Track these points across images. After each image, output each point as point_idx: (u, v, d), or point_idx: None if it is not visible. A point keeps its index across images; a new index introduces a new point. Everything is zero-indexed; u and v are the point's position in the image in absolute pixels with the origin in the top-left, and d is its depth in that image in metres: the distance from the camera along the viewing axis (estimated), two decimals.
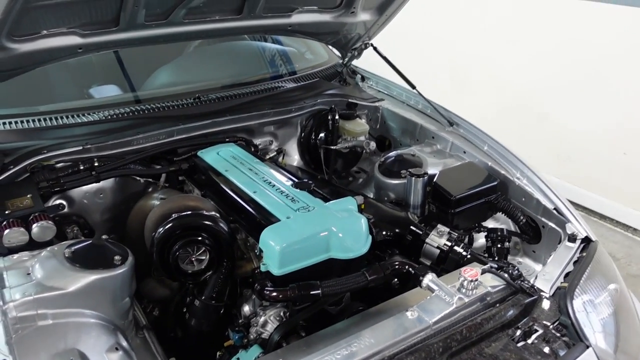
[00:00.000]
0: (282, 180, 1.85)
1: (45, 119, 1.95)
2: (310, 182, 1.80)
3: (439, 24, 4.88)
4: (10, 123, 1.90)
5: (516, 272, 1.54)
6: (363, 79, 2.79)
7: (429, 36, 4.96)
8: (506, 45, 4.43)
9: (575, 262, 1.66)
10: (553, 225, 1.88)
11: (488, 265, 1.56)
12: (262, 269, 1.51)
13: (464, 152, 2.20)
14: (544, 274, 1.61)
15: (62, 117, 1.98)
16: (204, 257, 1.61)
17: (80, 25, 1.79)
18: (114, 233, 2.00)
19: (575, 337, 1.41)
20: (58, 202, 1.89)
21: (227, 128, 2.21)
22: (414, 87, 2.52)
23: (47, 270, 1.42)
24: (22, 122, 1.92)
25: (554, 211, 1.87)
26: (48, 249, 1.51)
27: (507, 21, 4.38)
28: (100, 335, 1.42)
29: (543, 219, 1.91)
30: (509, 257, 1.95)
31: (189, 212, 1.63)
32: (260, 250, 1.53)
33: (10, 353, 1.20)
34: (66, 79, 2.35)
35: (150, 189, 2.07)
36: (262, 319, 1.58)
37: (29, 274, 1.43)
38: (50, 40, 1.76)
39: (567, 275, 1.61)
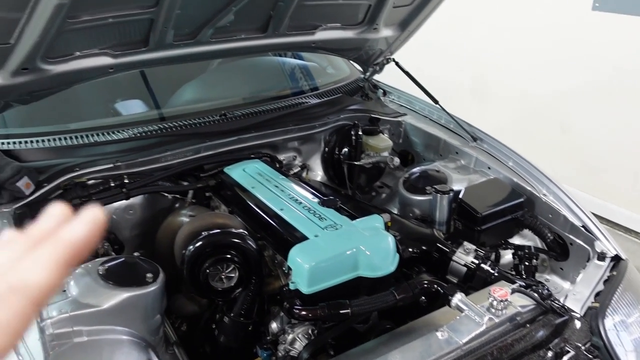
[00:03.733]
0: (309, 197, 1.86)
1: (76, 137, 1.99)
2: (337, 199, 1.81)
3: (460, 36, 4.87)
4: (44, 141, 1.95)
5: (546, 291, 1.53)
6: (385, 93, 2.80)
7: (450, 49, 4.96)
8: (528, 56, 4.41)
9: (605, 282, 1.65)
10: (581, 243, 1.87)
11: (517, 284, 1.55)
12: (291, 287, 1.52)
13: (489, 168, 2.19)
14: (574, 293, 1.60)
15: (92, 135, 2.02)
16: (233, 275, 1.62)
17: (112, 46, 1.83)
18: (143, 248, 2.03)
19: (608, 359, 1.40)
20: None
21: (252, 144, 2.23)
22: (436, 101, 2.53)
23: (82, 288, 1.45)
24: (54, 140, 1.96)
25: (582, 228, 1.86)
26: (82, 266, 1.54)
27: (528, 31, 4.37)
28: (132, 351, 1.44)
29: (571, 236, 1.90)
30: (537, 275, 1.93)
31: (218, 230, 1.65)
32: (289, 268, 1.54)
33: None
34: (93, 97, 2.39)
35: (177, 205, 2.09)
36: (290, 337, 1.59)
37: (64, 290, 1.46)
38: (83, 61, 1.80)
39: (597, 294, 1.60)
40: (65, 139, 1.98)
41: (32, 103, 1.88)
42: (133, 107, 2.40)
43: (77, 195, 1.84)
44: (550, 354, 1.40)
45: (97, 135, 2.03)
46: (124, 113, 2.35)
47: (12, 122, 2.06)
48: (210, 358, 1.74)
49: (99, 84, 2.31)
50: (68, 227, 0.46)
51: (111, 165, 1.92)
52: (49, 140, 1.96)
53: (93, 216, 0.48)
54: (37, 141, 1.95)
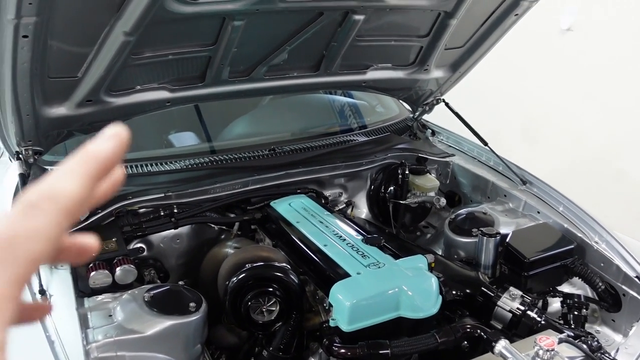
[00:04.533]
0: (353, 234, 1.87)
1: (131, 166, 2.07)
2: (380, 237, 1.81)
3: (514, 78, 4.84)
4: None
5: (596, 343, 1.47)
6: (434, 133, 2.80)
7: (502, 89, 4.93)
8: (582, 99, 4.33)
9: None
10: (635, 294, 1.79)
11: (565, 334, 1.50)
12: (331, 323, 1.52)
13: (538, 212, 2.15)
14: (627, 347, 1.53)
15: (146, 165, 2.10)
16: (274, 308, 1.64)
17: (170, 80, 1.92)
18: (187, 277, 2.07)
19: None
20: (138, 245, 1.99)
21: (299, 179, 2.27)
22: (485, 143, 2.51)
23: (127, 313, 1.50)
24: None
25: (636, 279, 1.78)
26: (129, 292, 1.58)
27: (583, 73, 4.30)
28: None
29: (624, 287, 1.83)
30: (587, 325, 1.85)
31: (262, 263, 1.68)
32: (330, 305, 1.54)
33: None
34: (149, 128, 2.49)
35: (223, 236, 2.14)
36: None
37: (110, 315, 1.50)
38: (143, 94, 1.89)
39: None
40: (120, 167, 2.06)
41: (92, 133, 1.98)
42: (186, 140, 2.48)
43: (128, 223, 1.91)
44: None
45: (151, 165, 2.11)
46: (177, 145, 2.44)
47: (73, 150, 2.16)
48: None
49: (155, 116, 2.42)
50: (93, 141, 0.47)
51: (162, 195, 1.98)
52: None
53: (117, 132, 0.48)
54: None
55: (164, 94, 1.94)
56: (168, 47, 1.78)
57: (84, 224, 1.82)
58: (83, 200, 0.44)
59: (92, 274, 1.64)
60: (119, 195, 1.95)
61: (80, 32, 1.59)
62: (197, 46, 1.82)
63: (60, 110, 1.78)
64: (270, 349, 1.68)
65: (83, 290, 1.67)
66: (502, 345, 1.43)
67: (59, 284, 1.58)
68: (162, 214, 1.97)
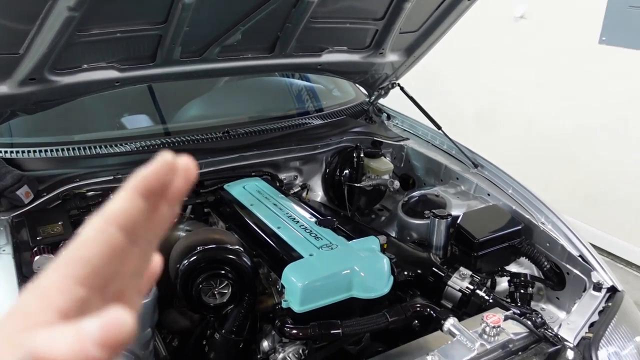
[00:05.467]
0: (306, 216, 1.87)
1: (79, 149, 2.01)
2: (334, 220, 1.82)
3: (467, 65, 4.92)
4: (46, 151, 1.97)
5: (540, 319, 1.52)
6: (389, 117, 2.82)
7: (457, 78, 5.01)
8: (534, 86, 4.44)
9: (600, 312, 1.63)
10: (578, 273, 1.86)
11: (511, 311, 1.54)
12: (284, 305, 1.52)
13: (488, 195, 2.20)
14: (568, 323, 1.59)
15: (95, 147, 2.04)
16: (226, 291, 1.62)
17: (119, 60, 1.86)
18: None
19: None
20: None
21: (254, 162, 2.25)
22: (439, 127, 2.54)
23: None
24: (57, 150, 1.98)
25: (579, 258, 1.85)
26: None
27: (535, 60, 4.40)
28: None
29: (568, 266, 1.89)
30: (532, 303, 1.92)
31: (214, 246, 1.66)
32: (282, 286, 1.54)
33: None
34: (99, 110, 2.42)
35: (175, 220, 2.10)
36: (280, 356, 1.58)
37: None
38: (90, 74, 1.83)
39: (592, 325, 1.58)
40: (67, 149, 2.00)
41: (38, 113, 1.91)
42: (138, 121, 2.43)
43: (76, 206, 1.86)
44: None
45: (100, 147, 2.05)
46: (129, 127, 2.38)
47: (17, 131, 2.09)
48: None
49: (106, 97, 2.35)
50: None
51: (111, 178, 1.93)
52: (51, 150, 1.98)
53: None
54: (40, 151, 1.97)
55: (112, 74, 1.88)
56: (116, 25, 1.72)
57: (27, 208, 1.76)
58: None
59: (36, 258, 1.59)
60: (66, 178, 1.89)
61: (21, 7, 1.52)
62: (146, 24, 1.77)
63: (1, 89, 1.71)
64: (223, 331, 1.67)
65: (27, 276, 1.62)
66: (450, 322, 1.46)
67: (1, 270, 1.52)
68: (111, 196, 1.92)
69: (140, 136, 2.19)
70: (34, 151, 1.97)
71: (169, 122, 2.43)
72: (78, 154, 2.00)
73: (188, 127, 2.36)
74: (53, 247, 1.64)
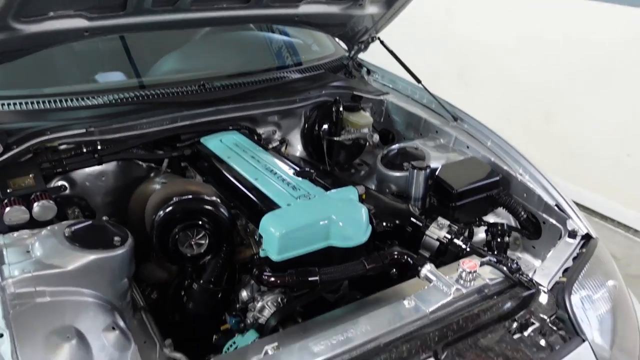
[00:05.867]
0: (284, 168, 1.85)
1: (49, 101, 1.95)
2: (311, 171, 1.81)
3: (448, 21, 4.86)
4: (15, 104, 1.91)
5: (515, 265, 1.54)
6: (369, 72, 2.79)
7: (437, 33, 4.95)
8: (514, 45, 4.42)
9: (574, 258, 1.66)
10: (554, 222, 1.88)
11: (487, 257, 1.56)
12: (262, 254, 1.51)
13: (467, 147, 2.19)
14: (543, 268, 1.61)
15: (66, 100, 1.98)
16: (203, 242, 1.61)
17: (88, 8, 1.79)
18: (116, 216, 1.99)
19: (572, 331, 1.41)
20: (60, 183, 1.89)
21: (231, 116, 2.21)
22: (419, 81, 2.52)
23: (46, 249, 1.43)
24: (26, 103, 1.93)
25: (555, 207, 1.87)
26: (48, 227, 1.51)
27: (515, 20, 4.37)
28: (98, 314, 1.42)
29: (544, 215, 1.91)
30: (509, 252, 1.94)
31: (190, 197, 1.64)
32: (260, 236, 1.53)
33: (7, 328, 1.21)
34: (72, 63, 2.35)
35: (152, 174, 2.07)
36: (259, 305, 1.58)
37: (28, 251, 1.43)
38: (57, 22, 1.76)
39: (566, 270, 1.61)
40: (38, 102, 1.95)
41: (6, 65, 1.84)
42: (112, 75, 2.36)
43: (47, 160, 1.81)
44: (515, 325, 1.40)
45: (72, 100, 2.00)
46: (102, 80, 2.32)
47: None
48: (180, 325, 1.73)
49: (79, 50, 2.29)
50: None
51: (83, 131, 1.88)
52: (21, 103, 1.92)
53: None
54: (9, 104, 1.91)
55: (81, 23, 1.81)
56: None
57: None
58: None
59: (7, 210, 1.56)
60: (36, 131, 1.84)
61: None
62: None
63: None
64: (201, 282, 1.66)
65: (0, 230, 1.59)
66: (427, 269, 1.47)
67: None
68: (84, 150, 1.88)
69: (114, 89, 2.14)
70: (3, 104, 1.91)
71: (144, 75, 2.37)
72: (49, 106, 1.94)
73: (163, 80, 2.30)
74: (24, 199, 1.61)
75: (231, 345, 1.54)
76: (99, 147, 1.90)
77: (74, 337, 1.31)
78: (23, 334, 1.26)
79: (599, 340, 1.45)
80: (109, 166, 1.98)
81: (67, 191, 1.92)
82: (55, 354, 1.27)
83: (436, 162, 2.09)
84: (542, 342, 1.37)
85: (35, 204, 1.59)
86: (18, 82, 2.09)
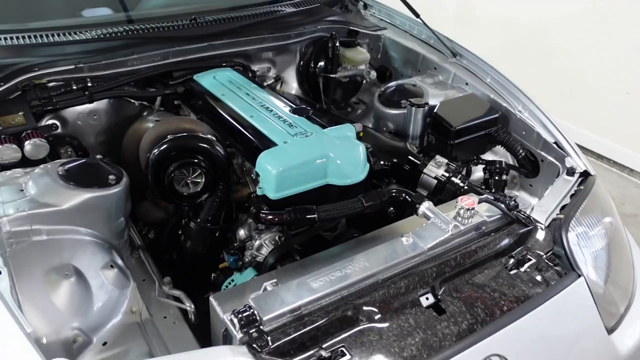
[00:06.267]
0: (280, 105, 1.81)
1: (36, 36, 1.88)
2: (308, 108, 1.77)
3: None
4: (0, 39, 1.84)
5: (513, 202, 1.53)
6: (365, 6, 2.69)
7: None
8: None
9: (572, 195, 1.65)
10: (552, 159, 1.86)
11: (485, 195, 1.55)
12: (259, 192, 1.49)
13: (466, 84, 2.15)
14: (541, 205, 1.61)
15: (53, 35, 1.91)
16: (199, 180, 1.59)
17: None
18: (109, 156, 1.96)
19: (568, 267, 1.42)
20: (51, 122, 1.85)
21: (224, 52, 2.14)
22: (417, 15, 2.43)
23: (40, 187, 1.41)
24: (12, 38, 1.85)
25: (554, 145, 1.85)
26: (41, 166, 1.49)
27: None
28: (96, 252, 1.42)
29: (542, 153, 1.89)
30: (506, 191, 1.94)
31: (185, 134, 1.61)
32: (257, 175, 1.51)
33: (5, 265, 1.20)
34: None
35: (145, 113, 2.02)
36: (257, 243, 1.59)
37: (22, 190, 1.42)
38: None
39: (563, 207, 1.60)
40: (24, 37, 1.87)
41: None
42: (99, 9, 2.26)
43: (37, 97, 1.76)
44: (512, 261, 1.41)
45: (59, 35, 1.92)
46: (90, 14, 2.22)
47: None
48: (177, 264, 1.74)
49: None
50: None
51: (72, 67, 1.82)
52: (6, 38, 1.84)
53: None
54: None
55: None
56: None
57: None
58: None
59: None
60: (24, 67, 1.78)
61: None
62: None
63: None
64: (198, 220, 1.66)
65: None
66: (425, 206, 1.46)
67: None
68: (74, 87, 1.83)
69: (102, 24, 2.05)
70: None
71: (132, 9, 2.27)
72: (35, 41, 1.87)
73: (152, 14, 2.21)
74: (15, 137, 1.57)
75: (229, 283, 1.55)
76: (89, 84, 1.85)
77: (73, 275, 1.32)
78: (21, 272, 1.26)
79: (593, 275, 1.46)
80: (101, 104, 1.94)
81: (59, 130, 1.88)
82: (54, 290, 1.28)
83: (434, 100, 2.05)
84: (538, 278, 1.39)
85: (27, 142, 1.56)
86: (2, 17, 2.00)
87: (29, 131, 1.59)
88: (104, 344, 1.31)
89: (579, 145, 1.87)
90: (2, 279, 1.14)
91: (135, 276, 1.50)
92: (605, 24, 3.84)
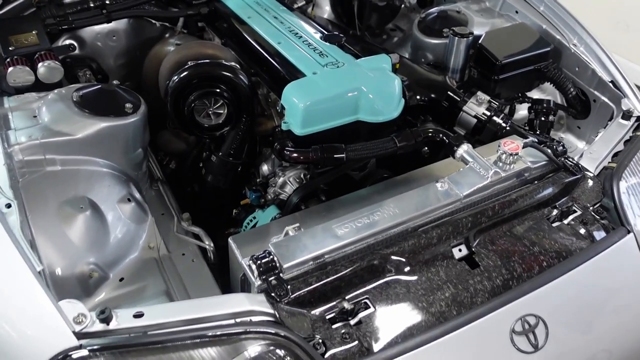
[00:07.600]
0: (310, 31, 1.67)
1: None
2: (341, 35, 1.62)
3: None
4: None
5: (561, 148, 1.40)
6: None
7: None
8: None
9: (626, 142, 1.51)
10: (606, 100, 1.70)
11: (530, 139, 1.42)
12: (284, 127, 1.39)
13: (516, 12, 1.96)
14: (591, 152, 1.47)
15: None
16: (221, 111, 1.49)
17: None
18: (130, 80, 1.89)
19: (617, 222, 1.31)
20: (68, 42, 1.76)
21: None
22: None
23: (54, 114, 1.34)
24: None
25: (610, 84, 1.68)
26: (55, 91, 1.41)
27: None
28: (113, 185, 1.37)
29: (596, 92, 1.73)
30: (552, 132, 1.79)
31: (207, 61, 1.49)
32: (283, 107, 1.40)
33: (16, 198, 1.14)
34: None
35: (167, 35, 1.91)
36: (280, 180, 1.50)
37: (35, 116, 1.35)
38: None
39: (615, 155, 1.47)
40: None
41: None
42: None
43: (52, 14, 1.66)
44: (555, 212, 1.30)
45: None
46: None
47: None
48: (198, 197, 1.68)
49: None
50: None
51: None
52: None
53: None
54: None
55: None
56: None
57: None
58: None
59: (10, 70, 1.44)
60: None
61: None
62: None
63: None
64: (220, 154, 1.57)
65: (6, 90, 1.49)
66: (464, 149, 1.35)
67: None
68: (91, 5, 1.71)
69: None
70: None
71: None
72: None
73: None
74: (28, 58, 1.48)
75: (251, 220, 1.48)
76: (107, 2, 1.73)
77: (88, 208, 1.27)
78: (34, 204, 1.21)
79: None
80: (120, 24, 1.83)
81: (77, 51, 1.78)
82: (68, 225, 1.23)
83: (480, 29, 1.88)
84: (583, 232, 1.28)
85: (40, 64, 1.47)
86: None
87: (42, 52, 1.49)
88: (121, 279, 1.27)
89: (638, 87, 1.69)
90: (12, 213, 1.09)
91: (154, 210, 1.45)
92: None
